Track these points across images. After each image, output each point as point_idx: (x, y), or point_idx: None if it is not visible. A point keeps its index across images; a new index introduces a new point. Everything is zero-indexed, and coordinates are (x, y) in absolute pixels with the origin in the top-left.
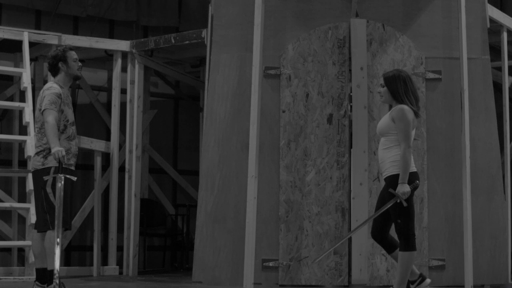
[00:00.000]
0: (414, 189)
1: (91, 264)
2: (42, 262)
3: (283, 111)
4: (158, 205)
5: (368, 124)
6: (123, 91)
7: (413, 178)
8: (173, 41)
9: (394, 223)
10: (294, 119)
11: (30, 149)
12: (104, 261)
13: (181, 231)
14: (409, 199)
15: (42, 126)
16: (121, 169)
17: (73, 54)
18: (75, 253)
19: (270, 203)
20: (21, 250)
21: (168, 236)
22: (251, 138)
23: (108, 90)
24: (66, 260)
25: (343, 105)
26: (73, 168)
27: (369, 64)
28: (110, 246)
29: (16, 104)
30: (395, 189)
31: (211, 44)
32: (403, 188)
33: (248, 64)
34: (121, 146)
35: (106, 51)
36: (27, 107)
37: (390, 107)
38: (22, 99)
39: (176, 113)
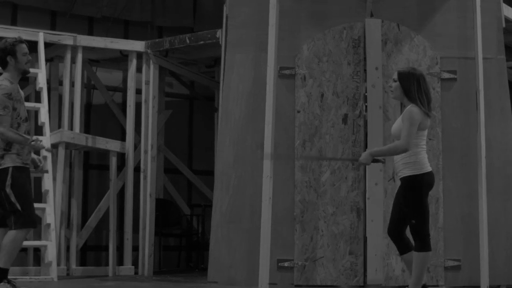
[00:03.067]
0: (377, 161)
1: (107, 264)
2: None
3: (298, 111)
4: (173, 205)
5: (383, 124)
6: (138, 92)
7: (427, 179)
8: (188, 41)
9: (409, 223)
10: (309, 119)
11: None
12: (120, 261)
13: (196, 231)
14: (423, 200)
15: None
16: (137, 169)
17: (23, 48)
18: (90, 253)
19: (285, 203)
20: (37, 250)
21: (184, 236)
22: (266, 138)
23: (123, 90)
24: (82, 260)
25: (358, 105)
26: (29, 167)
27: (384, 64)
28: (125, 246)
29: (31, 105)
30: (407, 192)
31: (226, 44)
32: (365, 158)
33: (263, 64)
34: (136, 146)
35: (121, 51)
36: (43, 108)
37: (401, 106)
38: (38, 99)
39: (191, 113)
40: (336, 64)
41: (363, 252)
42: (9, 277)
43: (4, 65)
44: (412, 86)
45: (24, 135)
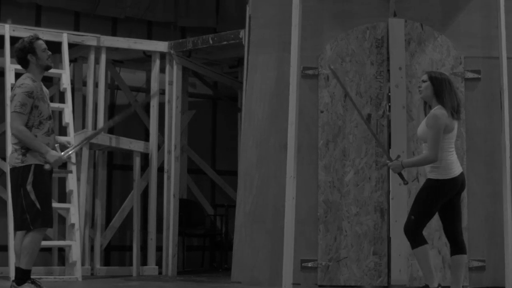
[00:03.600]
0: (401, 178)
1: (131, 264)
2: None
3: (321, 112)
4: (197, 205)
5: (406, 124)
6: (162, 92)
7: (451, 184)
8: (211, 41)
9: (408, 217)
10: (332, 119)
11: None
12: (144, 261)
13: (220, 231)
14: (433, 204)
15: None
16: (160, 169)
17: (41, 44)
18: (114, 253)
19: (309, 203)
20: (61, 250)
21: (207, 236)
22: (290, 139)
23: (147, 91)
24: (106, 260)
25: (381, 105)
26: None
27: (407, 64)
28: (149, 246)
29: (55, 105)
30: (424, 190)
31: (249, 44)
32: (396, 166)
33: (286, 64)
34: (160, 146)
35: (144, 52)
36: (67, 108)
37: (425, 105)
38: (62, 100)
39: (214, 114)
40: (359, 64)
41: (387, 252)
42: (33, 277)
43: (26, 65)
44: (444, 87)
45: (40, 144)
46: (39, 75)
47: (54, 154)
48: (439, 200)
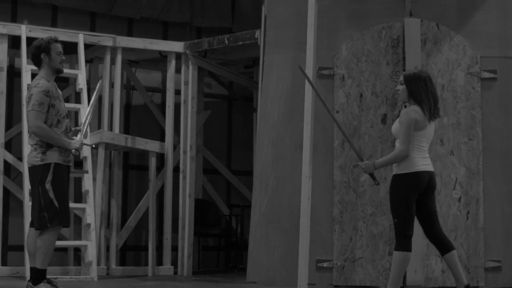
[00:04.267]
0: (373, 179)
1: (146, 264)
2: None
3: (337, 111)
4: (212, 205)
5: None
6: (177, 92)
7: (414, 179)
8: (226, 42)
9: (393, 222)
10: (348, 119)
11: (86, 150)
12: (159, 261)
13: (235, 231)
14: (408, 200)
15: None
16: (176, 169)
17: (58, 47)
18: (130, 253)
19: (324, 203)
20: (77, 249)
21: (222, 237)
22: (305, 139)
23: (162, 91)
24: (121, 260)
25: (397, 105)
26: (71, 164)
27: (423, 64)
28: (165, 246)
29: (71, 106)
30: (392, 190)
31: (264, 44)
32: (367, 166)
33: (301, 64)
34: (175, 146)
35: (160, 52)
36: (83, 108)
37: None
38: (78, 100)
39: (230, 114)
40: (375, 64)
41: None
42: (49, 276)
43: (39, 63)
44: (419, 88)
45: (62, 139)
46: (51, 76)
47: (75, 141)
48: (410, 194)
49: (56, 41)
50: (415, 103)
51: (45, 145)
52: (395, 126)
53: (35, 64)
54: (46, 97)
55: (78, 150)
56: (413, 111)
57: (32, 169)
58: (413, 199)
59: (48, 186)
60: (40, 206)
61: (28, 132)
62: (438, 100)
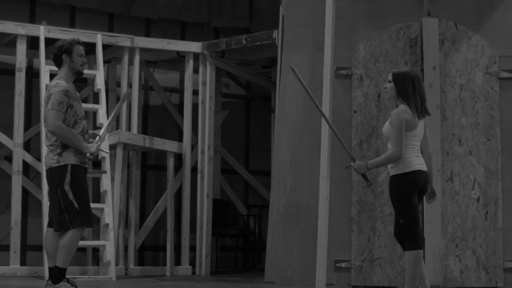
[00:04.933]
0: (365, 179)
1: (164, 264)
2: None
3: (355, 112)
4: (230, 205)
5: (440, 124)
6: (195, 92)
7: (414, 178)
8: (244, 42)
9: (397, 222)
10: (366, 120)
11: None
12: (177, 261)
13: (253, 231)
14: (410, 199)
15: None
16: (194, 169)
17: (80, 49)
18: (148, 253)
19: (342, 203)
20: (95, 249)
21: (240, 237)
22: (323, 139)
23: (180, 91)
24: (140, 260)
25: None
26: (87, 165)
27: (441, 64)
28: (183, 246)
29: (90, 106)
30: (394, 191)
31: (282, 44)
32: (360, 166)
33: (319, 64)
34: (193, 147)
35: (178, 52)
36: (101, 109)
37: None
38: (96, 100)
39: (248, 114)
40: (393, 64)
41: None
42: (67, 276)
43: (60, 64)
44: (407, 86)
45: (79, 141)
46: (71, 77)
47: (91, 145)
48: (411, 192)
49: (79, 43)
50: (402, 101)
51: (61, 146)
52: (386, 127)
53: (56, 65)
54: (65, 96)
55: (93, 154)
56: (403, 112)
57: (50, 171)
58: (414, 197)
59: (67, 187)
60: (60, 208)
61: (46, 131)
62: (425, 99)
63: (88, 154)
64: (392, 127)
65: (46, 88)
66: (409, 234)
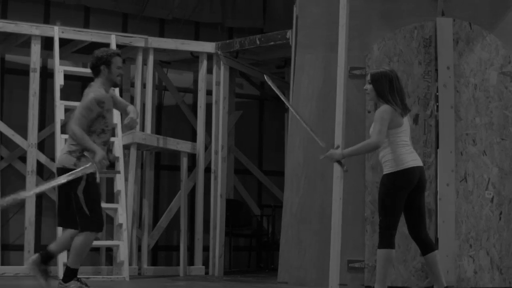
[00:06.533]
0: (340, 165)
1: (178, 264)
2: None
3: (369, 112)
4: (244, 205)
5: (454, 124)
6: (209, 93)
7: (405, 176)
8: (258, 42)
9: (379, 218)
10: None
11: (118, 150)
12: (191, 261)
13: (267, 231)
14: (396, 199)
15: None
16: (207, 170)
17: (119, 61)
18: (161, 253)
19: (356, 203)
20: (109, 249)
21: (254, 237)
22: (337, 139)
23: (194, 91)
24: (153, 260)
25: (429, 105)
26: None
27: (455, 64)
28: (196, 246)
29: None
30: (381, 188)
31: (296, 44)
32: (333, 154)
33: (333, 64)
34: (207, 147)
35: (191, 52)
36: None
37: (375, 105)
38: None
39: (261, 114)
40: (407, 64)
41: None
42: (80, 276)
43: (97, 73)
44: (385, 87)
45: (94, 145)
46: (108, 87)
47: (102, 154)
48: (399, 194)
49: (118, 54)
50: (383, 102)
51: (79, 151)
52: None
53: (93, 73)
54: (97, 106)
55: (100, 163)
56: (388, 111)
57: (63, 171)
58: (402, 198)
59: (80, 194)
60: (73, 210)
61: (67, 132)
62: (404, 98)
63: (96, 160)
64: (375, 121)
65: (82, 94)
66: (384, 233)
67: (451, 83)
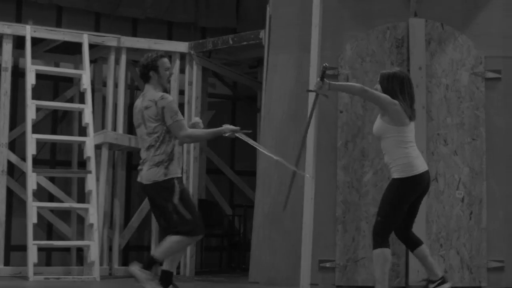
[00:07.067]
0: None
1: None
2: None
3: (341, 112)
4: (215, 205)
5: (426, 124)
6: (181, 92)
7: (416, 182)
8: (231, 42)
9: (376, 219)
10: (351, 120)
11: (90, 150)
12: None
13: (238, 231)
14: (400, 204)
15: (161, 137)
16: None
17: (165, 62)
18: (132, 253)
19: (327, 203)
20: (79, 250)
21: (225, 237)
22: (309, 139)
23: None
24: (124, 260)
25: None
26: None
27: (427, 64)
28: None
29: (75, 106)
30: (388, 190)
31: (269, 44)
32: (319, 84)
33: (305, 64)
34: None
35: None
36: (87, 109)
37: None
38: (82, 100)
39: (234, 114)
40: (379, 64)
41: (405, 253)
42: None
43: (147, 80)
44: (395, 87)
45: (209, 130)
46: (160, 90)
47: (226, 127)
48: (405, 200)
49: (162, 56)
50: None
51: (167, 159)
52: (376, 125)
53: (144, 81)
54: (175, 104)
55: (232, 131)
56: (397, 104)
57: (154, 185)
58: (409, 203)
59: (176, 201)
60: (172, 221)
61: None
62: (414, 100)
63: (226, 134)
64: (391, 115)
65: (136, 107)
66: (381, 233)
67: (423, 84)
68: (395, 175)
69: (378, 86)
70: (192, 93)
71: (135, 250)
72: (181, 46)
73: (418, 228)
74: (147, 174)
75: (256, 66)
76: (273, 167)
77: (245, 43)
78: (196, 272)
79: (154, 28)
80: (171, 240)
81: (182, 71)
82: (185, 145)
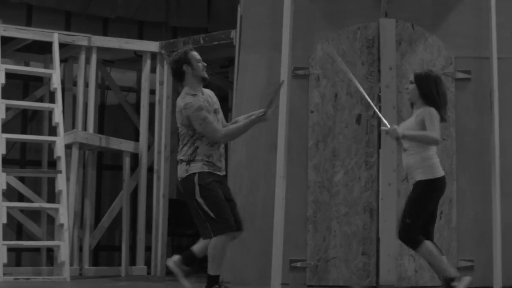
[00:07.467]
0: (399, 143)
1: (119, 264)
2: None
3: (312, 112)
4: (187, 205)
5: (397, 124)
6: (152, 92)
7: (441, 184)
8: (202, 41)
9: (402, 221)
10: (322, 120)
11: (60, 150)
12: (132, 261)
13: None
14: (430, 205)
15: (184, 140)
16: (150, 169)
17: (196, 55)
18: (103, 253)
19: (298, 203)
20: (49, 250)
21: (196, 237)
22: (280, 139)
23: (137, 91)
24: (95, 260)
25: (370, 106)
26: (219, 172)
27: (398, 64)
28: (138, 246)
29: (45, 105)
30: (416, 195)
31: (240, 44)
32: (394, 131)
33: (277, 64)
34: (150, 146)
35: (135, 52)
36: (57, 108)
37: (412, 106)
38: (52, 100)
39: None
40: (350, 64)
41: (375, 252)
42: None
43: (182, 77)
44: (431, 88)
45: (243, 124)
46: (197, 86)
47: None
48: (433, 200)
49: (192, 50)
50: (426, 104)
51: (189, 156)
52: (409, 126)
53: (179, 80)
54: (201, 110)
55: (265, 115)
56: (436, 114)
57: (182, 182)
58: (435, 204)
59: (199, 199)
60: (201, 217)
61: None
62: (447, 102)
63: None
64: (428, 118)
65: (178, 110)
66: (411, 236)
67: (393, 84)
68: (421, 177)
69: (410, 86)
70: (163, 93)
71: (105, 250)
72: (152, 46)
73: (389, 227)
74: (178, 171)
75: (227, 66)
76: (244, 167)
77: (216, 43)
78: (167, 272)
79: (125, 28)
80: (209, 247)
81: (153, 70)
82: (155, 144)
